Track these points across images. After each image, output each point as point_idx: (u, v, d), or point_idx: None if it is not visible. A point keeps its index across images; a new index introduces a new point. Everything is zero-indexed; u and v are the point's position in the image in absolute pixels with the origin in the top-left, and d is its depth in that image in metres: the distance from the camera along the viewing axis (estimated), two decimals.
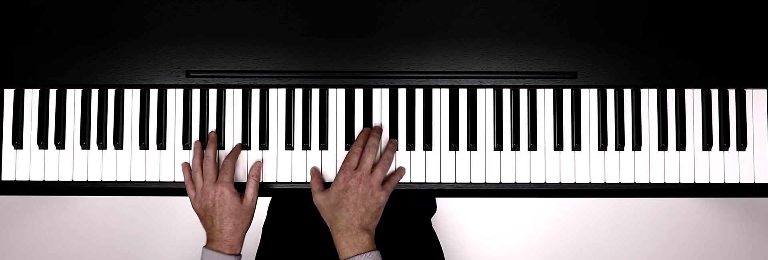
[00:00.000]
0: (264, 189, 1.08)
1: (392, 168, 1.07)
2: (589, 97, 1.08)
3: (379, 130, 1.05)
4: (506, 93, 1.08)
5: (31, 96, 1.09)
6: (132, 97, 1.09)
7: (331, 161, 1.07)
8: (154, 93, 1.09)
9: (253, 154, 1.08)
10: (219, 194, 1.01)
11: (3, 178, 1.09)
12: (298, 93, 1.08)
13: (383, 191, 0.99)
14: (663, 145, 1.07)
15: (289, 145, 1.08)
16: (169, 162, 1.08)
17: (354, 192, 0.98)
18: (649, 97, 1.08)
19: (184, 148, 1.08)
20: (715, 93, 1.08)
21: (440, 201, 1.81)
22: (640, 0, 1.07)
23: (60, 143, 1.08)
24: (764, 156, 1.07)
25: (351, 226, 0.96)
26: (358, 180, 0.98)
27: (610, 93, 1.08)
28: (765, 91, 1.08)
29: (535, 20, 1.08)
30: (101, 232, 1.86)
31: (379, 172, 1.00)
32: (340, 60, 1.08)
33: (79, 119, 1.09)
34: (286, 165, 1.08)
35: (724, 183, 1.07)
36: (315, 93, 1.08)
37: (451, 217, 1.87)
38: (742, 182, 1.07)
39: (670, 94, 1.08)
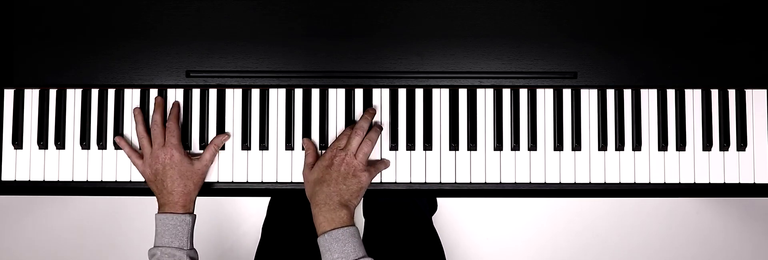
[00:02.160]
0: (265, 189, 1.08)
1: (393, 168, 1.07)
2: (589, 97, 1.08)
3: (371, 113, 1.06)
4: (506, 93, 1.08)
5: (31, 96, 1.09)
6: (132, 97, 1.09)
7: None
8: (154, 93, 1.09)
9: (253, 154, 1.08)
10: (169, 157, 1.02)
11: (3, 178, 1.09)
12: (298, 93, 1.08)
13: (366, 172, 1.00)
14: (663, 145, 1.07)
15: (289, 145, 1.08)
16: None
17: (336, 170, 0.99)
18: (649, 97, 1.08)
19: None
20: (715, 93, 1.08)
21: (441, 200, 1.81)
22: (640, 0, 1.07)
23: (60, 143, 1.08)
24: (764, 156, 1.07)
25: (329, 201, 0.97)
26: (341, 159, 1.00)
27: (610, 93, 1.08)
28: (765, 91, 1.08)
29: (535, 20, 1.08)
30: (101, 232, 1.86)
31: (361, 155, 1.01)
32: (340, 60, 1.08)
33: (79, 119, 1.09)
34: (286, 165, 1.08)
35: (724, 183, 1.07)
36: (315, 93, 1.08)
37: (451, 216, 1.87)
38: (742, 182, 1.07)
39: (670, 94, 1.08)
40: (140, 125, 1.06)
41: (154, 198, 1.04)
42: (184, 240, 0.99)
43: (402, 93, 1.08)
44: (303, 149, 1.07)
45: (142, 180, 1.08)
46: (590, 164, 1.07)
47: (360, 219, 1.78)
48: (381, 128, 1.06)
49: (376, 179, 1.07)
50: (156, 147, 1.03)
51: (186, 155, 1.03)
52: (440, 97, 1.08)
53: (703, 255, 1.86)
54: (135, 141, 1.08)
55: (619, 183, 1.07)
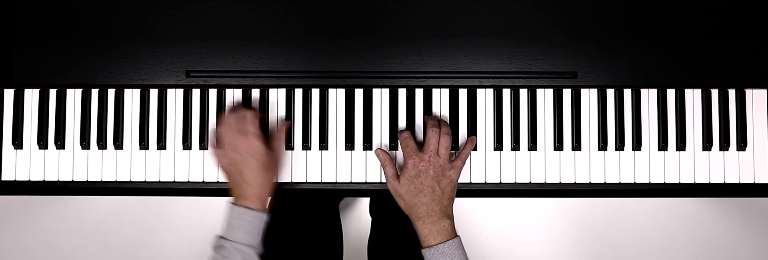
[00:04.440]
0: None
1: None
2: (589, 97, 1.08)
3: (432, 116, 1.06)
4: (506, 93, 1.08)
5: (31, 96, 1.09)
6: (132, 97, 1.09)
7: (330, 161, 1.07)
8: (154, 93, 1.09)
9: None
10: (248, 146, 0.98)
11: (3, 178, 1.09)
12: (298, 93, 1.08)
13: (454, 169, 0.99)
14: (663, 145, 1.07)
15: (289, 145, 1.08)
16: (169, 162, 1.08)
17: (427, 176, 0.98)
18: (649, 97, 1.08)
19: (184, 148, 1.08)
20: (715, 93, 1.08)
21: None
22: (640, 0, 1.07)
23: (60, 143, 1.08)
24: (764, 156, 1.07)
25: (432, 212, 0.96)
26: (427, 163, 0.98)
27: (610, 93, 1.08)
28: (765, 91, 1.08)
29: (535, 20, 1.08)
30: (101, 232, 1.86)
31: (443, 151, 0.99)
32: (340, 60, 1.08)
33: (79, 119, 1.09)
34: (286, 165, 1.08)
35: (724, 183, 1.07)
36: (315, 93, 1.08)
37: None
38: (742, 182, 1.07)
39: (670, 94, 1.08)
40: (221, 119, 1.02)
41: (154, 198, 1.04)
42: (257, 238, 0.96)
43: (402, 93, 1.08)
44: (363, 145, 1.06)
45: (141, 180, 1.08)
46: (590, 164, 1.07)
47: (366, 219, 1.79)
48: (448, 121, 1.06)
49: (377, 179, 1.07)
50: (234, 136, 0.98)
51: (265, 145, 0.99)
52: (440, 97, 1.08)
53: (703, 255, 1.86)
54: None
55: (619, 183, 1.07)
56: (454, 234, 0.97)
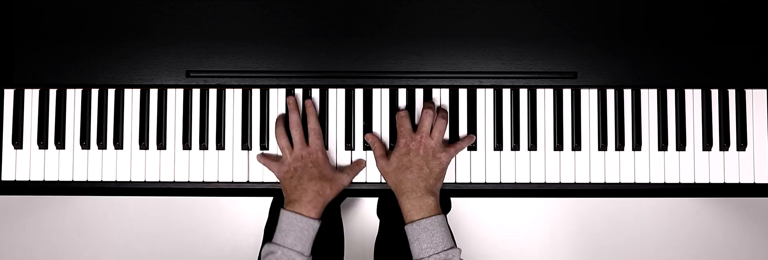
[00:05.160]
0: (265, 189, 1.08)
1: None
2: (589, 97, 1.08)
3: (430, 104, 1.06)
4: (506, 93, 1.08)
5: (31, 96, 1.09)
6: (132, 97, 1.09)
7: (331, 161, 1.07)
8: (154, 93, 1.09)
9: (253, 154, 1.08)
10: (314, 157, 1.01)
11: (3, 178, 1.09)
12: (298, 93, 1.08)
13: (444, 152, 1.00)
14: (663, 145, 1.07)
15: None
16: (169, 162, 1.08)
17: (416, 154, 0.99)
18: (649, 97, 1.08)
19: (184, 148, 1.08)
20: (715, 93, 1.08)
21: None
22: (640, 0, 1.07)
23: (60, 143, 1.08)
24: (764, 156, 1.07)
25: (416, 188, 0.97)
26: (418, 143, 0.99)
27: (610, 93, 1.08)
28: (765, 91, 1.08)
29: (535, 20, 1.08)
30: (101, 233, 1.86)
31: (436, 134, 1.00)
32: (340, 60, 1.08)
33: (79, 119, 1.09)
34: None
35: (724, 183, 1.07)
36: (315, 93, 1.08)
37: (451, 217, 1.87)
38: (742, 182, 1.07)
39: (670, 94, 1.08)
40: (280, 127, 1.05)
41: (155, 197, 1.03)
42: (307, 245, 0.96)
43: (402, 93, 1.08)
44: (364, 145, 1.07)
45: (141, 180, 1.08)
46: (590, 164, 1.07)
47: (368, 219, 1.79)
48: (447, 112, 1.06)
49: (377, 179, 1.07)
50: (299, 148, 1.02)
51: (328, 159, 1.03)
52: (440, 97, 1.08)
53: (703, 255, 1.86)
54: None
55: (619, 183, 1.07)
56: (438, 212, 0.97)
